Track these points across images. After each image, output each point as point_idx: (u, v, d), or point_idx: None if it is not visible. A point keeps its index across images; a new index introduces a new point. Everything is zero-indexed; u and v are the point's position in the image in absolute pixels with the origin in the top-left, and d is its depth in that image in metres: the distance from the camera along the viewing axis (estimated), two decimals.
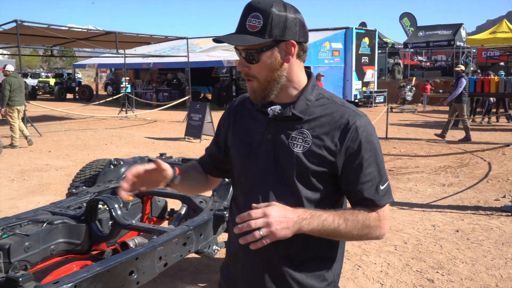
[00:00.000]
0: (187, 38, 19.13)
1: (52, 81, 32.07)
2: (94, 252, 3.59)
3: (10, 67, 11.88)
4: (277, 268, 1.56)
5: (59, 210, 3.61)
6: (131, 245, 3.09)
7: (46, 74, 35.36)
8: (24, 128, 12.05)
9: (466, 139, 12.29)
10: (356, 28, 24.04)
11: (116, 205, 3.35)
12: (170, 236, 3.06)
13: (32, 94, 28.17)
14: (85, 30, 17.15)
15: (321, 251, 1.57)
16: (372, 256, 4.79)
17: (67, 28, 15.53)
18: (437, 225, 5.75)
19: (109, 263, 2.62)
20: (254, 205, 1.41)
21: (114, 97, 21.33)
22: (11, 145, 11.63)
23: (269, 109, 1.57)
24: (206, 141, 12.78)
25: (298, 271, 1.56)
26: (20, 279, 2.62)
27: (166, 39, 19.09)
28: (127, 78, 21.23)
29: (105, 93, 32.44)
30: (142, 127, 16.38)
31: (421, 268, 4.50)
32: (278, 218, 1.37)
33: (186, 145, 12.30)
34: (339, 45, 23.23)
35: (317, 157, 1.50)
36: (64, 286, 2.37)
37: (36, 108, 19.42)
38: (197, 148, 11.64)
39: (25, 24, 13.42)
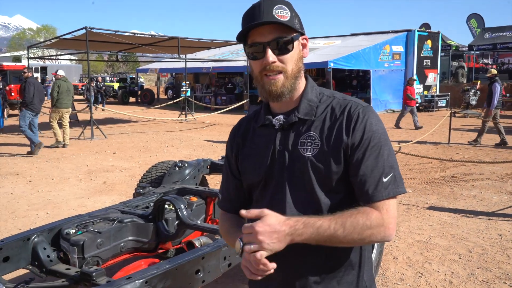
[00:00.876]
0: None
1: (116, 85, 33.36)
2: (160, 251, 3.73)
3: (61, 72, 12.63)
4: (308, 280, 1.52)
5: (128, 209, 3.78)
6: (197, 245, 3.19)
7: (110, 78, 36.82)
8: (60, 133, 12.64)
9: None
10: (418, 31, 23.49)
11: (182, 206, 3.48)
12: None
13: (95, 97, 29.52)
14: (149, 36, 17.74)
15: (350, 257, 1.52)
16: (435, 264, 4.68)
17: (132, 34, 16.13)
18: (504, 234, 5.53)
19: (178, 261, 2.73)
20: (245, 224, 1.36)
21: (174, 101, 21.89)
22: (56, 142, 12.36)
23: (274, 120, 1.55)
24: None
25: (329, 280, 1.51)
26: (94, 273, 2.79)
27: (226, 43, 19.40)
28: (187, 82, 21.74)
29: (166, 96, 33.35)
30: (201, 130, 16.72)
31: (487, 278, 4.35)
32: (268, 231, 1.31)
33: None
34: (400, 48, 22.78)
35: (329, 156, 1.46)
36: (136, 281, 2.49)
37: (101, 111, 20.29)
38: None
39: (94, 31, 14.05)
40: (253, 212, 1.36)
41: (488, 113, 12.22)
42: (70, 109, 12.87)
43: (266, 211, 1.35)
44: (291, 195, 1.51)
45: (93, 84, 25.50)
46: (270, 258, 1.52)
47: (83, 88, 37.02)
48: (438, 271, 4.53)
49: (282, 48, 1.47)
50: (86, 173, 9.20)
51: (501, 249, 5.08)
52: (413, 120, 15.91)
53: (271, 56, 1.46)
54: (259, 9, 1.45)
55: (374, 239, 1.40)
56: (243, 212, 1.38)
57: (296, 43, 1.49)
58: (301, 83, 1.56)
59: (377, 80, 21.81)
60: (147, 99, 30.59)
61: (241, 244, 1.38)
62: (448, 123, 12.92)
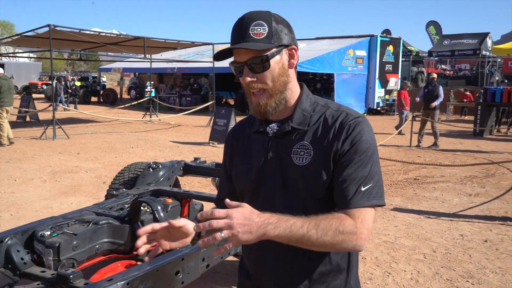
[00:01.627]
0: (213, 44, 19.35)
1: (77, 84, 32.67)
2: (135, 253, 3.72)
3: (1, 70, 12.36)
4: (297, 284, 1.55)
5: (102, 211, 3.76)
6: None
7: (72, 77, 36.03)
8: (10, 130, 12.48)
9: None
10: (380, 36, 24.04)
11: (159, 207, 3.49)
12: None
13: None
14: (115, 35, 17.51)
15: (338, 262, 1.55)
16: (401, 264, 4.85)
17: (96, 33, 15.88)
18: (465, 234, 5.77)
19: (158, 262, 2.75)
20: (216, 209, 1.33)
21: (139, 101, 21.65)
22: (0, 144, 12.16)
23: (267, 127, 1.56)
24: None
25: (318, 285, 1.55)
26: (71, 276, 2.76)
27: (193, 44, 19.35)
28: (152, 82, 21.54)
29: (129, 96, 32.92)
30: (166, 131, 16.61)
31: (451, 277, 4.54)
32: (241, 221, 1.28)
33: (210, 149, 12.46)
34: (363, 53, 23.25)
35: (321, 165, 1.48)
36: (118, 283, 2.50)
37: (63, 110, 19.86)
38: (221, 153, 11.70)
39: (58, 29, 13.76)
40: (233, 203, 1.33)
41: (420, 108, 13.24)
42: (12, 107, 12.66)
43: (245, 204, 1.34)
44: (281, 202, 1.53)
45: (63, 83, 24.91)
46: (262, 261, 1.58)
47: (43, 87, 36.15)
48: (404, 271, 4.69)
49: (258, 67, 1.47)
50: (50, 174, 9.01)
51: (463, 249, 5.29)
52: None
53: (247, 76, 1.49)
54: (240, 27, 1.48)
55: (345, 246, 1.39)
56: (227, 200, 1.36)
57: (275, 59, 1.48)
58: (294, 93, 1.57)
59: (340, 84, 22.19)
60: (110, 98, 30.13)
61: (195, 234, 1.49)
62: (409, 127, 13.30)
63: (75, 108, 23.96)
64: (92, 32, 15.62)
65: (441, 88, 13.07)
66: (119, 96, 31.35)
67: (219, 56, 1.55)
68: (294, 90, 1.57)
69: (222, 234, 1.26)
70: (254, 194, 1.60)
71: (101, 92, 31.88)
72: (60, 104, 23.07)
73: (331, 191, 1.49)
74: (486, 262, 4.92)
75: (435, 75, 14.42)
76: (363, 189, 1.43)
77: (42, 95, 34.02)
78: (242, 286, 1.74)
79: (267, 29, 1.47)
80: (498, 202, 7.33)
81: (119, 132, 15.85)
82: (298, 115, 1.54)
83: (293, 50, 1.53)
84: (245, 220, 1.29)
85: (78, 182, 8.40)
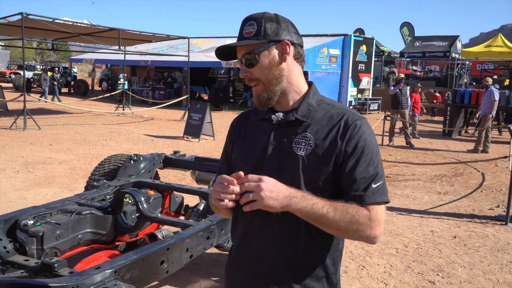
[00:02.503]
0: (188, 38, 19.26)
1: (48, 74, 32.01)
2: (117, 243, 3.75)
3: None
4: (282, 276, 1.59)
5: (84, 201, 3.77)
6: (160, 237, 3.26)
7: (42, 67, 35.24)
8: None
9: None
10: (354, 36, 24.35)
11: (143, 198, 3.53)
12: (196, 229, 3.24)
13: (27, 87, 28.09)
14: (89, 26, 17.24)
15: (323, 256, 1.61)
16: (375, 258, 5.00)
17: (71, 23, 15.61)
18: (435, 231, 5.98)
19: (144, 252, 2.79)
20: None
21: (112, 93, 21.38)
22: None
23: (272, 116, 1.64)
24: (205, 140, 12.95)
25: (303, 278, 1.59)
26: (56, 264, 2.77)
27: (168, 38, 19.21)
28: (125, 74, 21.29)
29: (100, 88, 32.44)
30: (139, 124, 16.49)
31: (422, 271, 4.71)
32: (270, 187, 1.43)
33: (185, 144, 12.45)
34: (336, 52, 23.51)
35: (321, 157, 1.55)
36: (106, 271, 2.54)
37: (34, 100, 19.47)
38: (196, 147, 11.79)
39: (30, 17, 13.48)
40: (254, 176, 1.45)
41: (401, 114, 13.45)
42: None
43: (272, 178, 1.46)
44: None
45: (50, 74, 24.20)
46: (247, 244, 1.63)
47: (11, 76, 35.24)
48: (378, 264, 4.85)
49: (249, 62, 1.61)
50: (22, 165, 8.87)
51: (433, 244, 5.49)
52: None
53: (242, 70, 1.63)
54: (240, 28, 1.64)
55: (358, 235, 1.49)
56: (241, 173, 1.46)
57: (264, 53, 1.59)
58: (298, 88, 1.66)
59: (314, 81, 22.18)
60: (81, 90, 29.62)
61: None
62: (381, 126, 13.57)
63: (59, 100, 23.28)
64: (66, 22, 15.35)
65: (408, 88, 13.46)
66: (90, 87, 30.85)
67: (222, 56, 1.70)
68: (296, 84, 1.65)
69: (251, 195, 1.42)
70: None
71: (72, 83, 31.32)
72: (47, 96, 22.59)
73: (326, 182, 1.56)
74: (455, 257, 5.12)
75: (402, 75, 14.78)
76: (374, 186, 1.52)
77: (10, 85, 33.18)
78: (228, 270, 1.78)
79: (255, 27, 1.59)
80: (466, 200, 7.60)
81: (91, 124, 15.65)
82: (303, 107, 1.62)
83: (286, 46, 1.60)
84: (274, 187, 1.44)
85: (52, 174, 8.30)
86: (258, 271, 1.62)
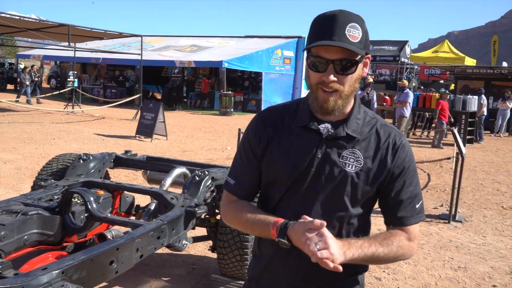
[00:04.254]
0: (141, 36, 18.99)
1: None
2: (65, 244, 3.67)
3: None
4: (318, 284, 1.63)
5: (31, 201, 3.66)
6: (109, 237, 3.21)
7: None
8: None
9: None
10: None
11: (92, 198, 3.47)
12: (146, 229, 3.22)
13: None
14: (37, 21, 16.67)
15: (353, 266, 1.59)
16: None
17: (18, 17, 15.07)
18: (382, 229, 6.13)
19: (93, 252, 2.75)
20: (306, 217, 1.45)
21: (61, 91, 20.79)
22: None
23: (320, 127, 1.56)
24: (157, 140, 12.81)
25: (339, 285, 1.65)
26: (0, 266, 2.70)
27: (120, 35, 18.88)
28: (75, 72, 20.75)
29: (48, 86, 31.46)
30: (90, 123, 16.12)
31: (370, 268, 4.84)
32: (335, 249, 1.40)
33: (137, 143, 12.28)
34: (290, 53, 23.81)
35: (370, 176, 1.55)
36: (53, 272, 2.48)
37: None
38: (148, 147, 11.65)
39: None
40: (317, 222, 1.41)
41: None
42: None
43: (325, 229, 1.42)
44: (321, 203, 1.57)
45: (27, 71, 23.02)
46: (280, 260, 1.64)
47: None
48: None
49: (345, 69, 1.48)
50: None
51: None
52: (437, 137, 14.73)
53: (332, 75, 1.47)
54: (333, 24, 1.44)
55: (403, 258, 1.61)
56: (307, 217, 1.45)
57: (360, 65, 1.51)
58: (352, 100, 1.60)
59: (268, 83, 22.59)
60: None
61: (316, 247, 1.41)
62: None
63: (38, 102, 22.21)
64: (12, 16, 14.81)
65: (374, 93, 13.70)
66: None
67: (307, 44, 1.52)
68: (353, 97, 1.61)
69: (318, 248, 1.38)
70: (291, 189, 1.60)
71: (18, 79, 30.20)
72: (24, 97, 21.59)
73: (369, 199, 1.61)
74: None
75: (371, 80, 14.79)
76: (417, 206, 1.60)
77: None
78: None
79: (361, 33, 1.47)
80: None
81: (39, 123, 15.16)
82: (353, 122, 1.58)
83: (367, 59, 1.57)
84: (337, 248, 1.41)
85: None
86: (294, 279, 1.65)
